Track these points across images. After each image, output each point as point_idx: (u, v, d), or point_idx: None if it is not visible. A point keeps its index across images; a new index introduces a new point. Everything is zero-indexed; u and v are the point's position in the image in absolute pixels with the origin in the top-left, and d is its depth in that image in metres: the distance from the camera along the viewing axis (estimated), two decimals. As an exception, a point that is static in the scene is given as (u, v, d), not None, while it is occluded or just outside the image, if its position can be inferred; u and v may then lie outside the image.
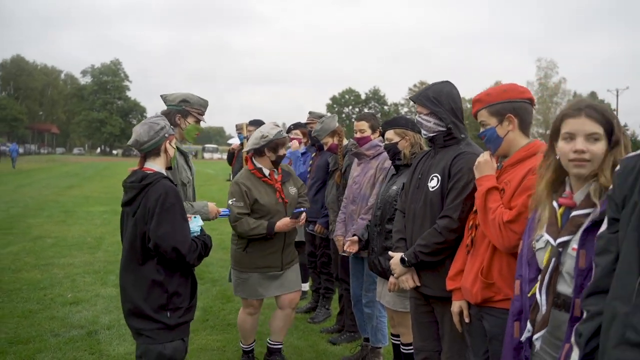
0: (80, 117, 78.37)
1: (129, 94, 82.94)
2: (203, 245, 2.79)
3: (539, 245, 2.00)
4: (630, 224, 1.47)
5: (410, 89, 75.08)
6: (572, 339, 1.67)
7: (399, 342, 3.71)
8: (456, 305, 2.68)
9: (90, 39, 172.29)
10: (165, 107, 3.55)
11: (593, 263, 1.66)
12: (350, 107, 79.12)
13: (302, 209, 3.84)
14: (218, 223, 11.05)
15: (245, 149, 4.31)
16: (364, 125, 4.23)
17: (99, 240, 9.37)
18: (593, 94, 69.76)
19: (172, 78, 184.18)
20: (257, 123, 7.70)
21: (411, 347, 3.42)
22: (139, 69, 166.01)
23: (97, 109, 78.37)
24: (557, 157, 1.97)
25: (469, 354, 2.74)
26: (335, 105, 78.86)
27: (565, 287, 1.86)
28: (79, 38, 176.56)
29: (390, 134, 3.49)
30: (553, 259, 1.90)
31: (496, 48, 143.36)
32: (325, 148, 4.86)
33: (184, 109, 3.48)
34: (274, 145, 3.82)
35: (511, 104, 2.46)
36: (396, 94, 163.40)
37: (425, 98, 2.94)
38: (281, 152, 3.89)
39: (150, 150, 2.79)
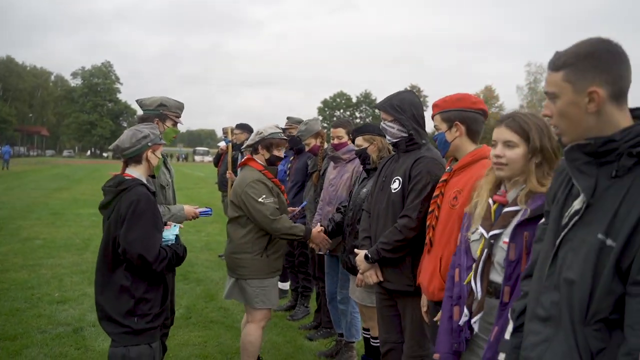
0: (70, 119, 78.10)
1: (120, 96, 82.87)
2: (174, 254, 2.79)
3: (473, 237, 2.22)
4: (552, 217, 1.70)
5: (401, 93, 75.55)
6: (509, 315, 1.89)
7: (369, 336, 3.92)
8: (424, 301, 2.89)
9: (82, 41, 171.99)
10: (142, 112, 3.63)
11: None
12: (342, 111, 79.45)
13: (209, 210, 3.90)
14: (203, 224, 11.22)
15: (244, 147, 4.51)
16: (341, 131, 4.43)
17: (87, 241, 9.51)
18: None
19: (164, 81, 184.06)
20: (243, 127, 7.92)
21: (378, 341, 3.64)
22: (130, 72, 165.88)
23: (87, 111, 78.15)
24: None
25: (429, 344, 2.96)
26: (326, 109, 79.18)
27: (497, 276, 2.08)
28: (71, 40, 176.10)
29: (359, 141, 3.70)
30: (485, 250, 2.13)
31: (486, 53, 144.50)
32: (307, 149, 5.04)
33: (161, 113, 3.56)
34: (267, 143, 3.82)
35: (461, 113, 2.69)
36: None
37: (389, 106, 3.16)
38: (275, 152, 3.86)
39: (131, 157, 2.84)
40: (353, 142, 3.90)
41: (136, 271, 2.70)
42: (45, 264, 7.60)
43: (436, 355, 2.38)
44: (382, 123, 3.26)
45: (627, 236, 1.43)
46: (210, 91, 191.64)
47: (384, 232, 3.07)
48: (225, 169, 7.71)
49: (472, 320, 2.18)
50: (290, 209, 4.18)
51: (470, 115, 2.70)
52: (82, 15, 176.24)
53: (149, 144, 2.86)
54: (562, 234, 1.60)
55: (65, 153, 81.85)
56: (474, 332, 2.20)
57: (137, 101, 3.70)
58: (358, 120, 65.89)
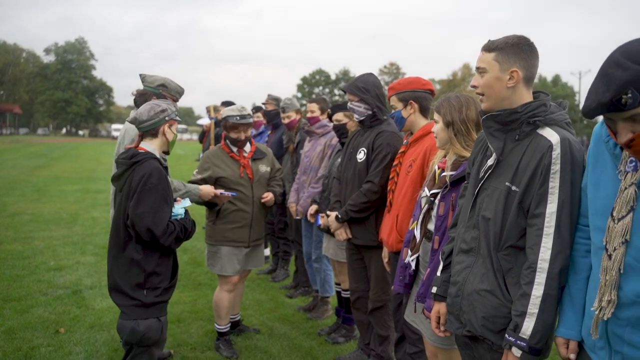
0: (44, 96, 76.51)
1: (95, 73, 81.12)
2: (183, 229, 2.82)
3: (422, 194, 2.76)
4: (472, 174, 2.24)
5: (380, 70, 75.90)
6: (439, 257, 2.43)
7: (340, 290, 4.47)
8: (385, 252, 3.43)
9: (54, 17, 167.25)
10: (142, 87, 3.67)
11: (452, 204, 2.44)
12: (321, 88, 79.55)
13: (233, 193, 3.95)
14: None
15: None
16: (315, 107, 4.91)
17: (75, 216, 9.87)
18: (557, 77, 71.84)
19: (140, 57, 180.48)
20: (227, 104, 8.33)
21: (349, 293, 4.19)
22: (105, 48, 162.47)
23: (61, 88, 76.59)
24: None
25: (390, 289, 3.51)
26: (305, 86, 79.17)
27: (432, 226, 2.62)
28: (43, 16, 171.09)
29: (339, 116, 4.19)
30: (426, 205, 2.67)
31: (465, 31, 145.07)
32: (287, 121, 5.46)
33: (160, 93, 3.58)
34: (224, 125, 4.05)
35: (414, 93, 3.20)
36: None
37: (355, 87, 3.65)
38: (233, 134, 4.01)
39: (148, 131, 2.89)
40: (330, 118, 4.38)
41: (147, 245, 2.75)
42: (36, 236, 7.98)
43: (393, 287, 2.95)
44: (349, 104, 3.75)
45: (526, 183, 1.99)
46: (187, 68, 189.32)
47: (352, 196, 3.59)
48: (208, 146, 8.13)
49: (411, 259, 2.73)
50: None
51: (422, 94, 3.21)
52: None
53: (166, 118, 2.91)
54: (480, 184, 2.15)
55: (39, 131, 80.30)
56: (412, 268, 2.74)
57: (140, 75, 3.74)
58: (337, 98, 66.33)
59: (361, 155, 3.61)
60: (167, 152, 3.05)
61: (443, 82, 68.47)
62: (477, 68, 2.15)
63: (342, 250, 4.13)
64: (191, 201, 3.50)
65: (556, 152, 1.94)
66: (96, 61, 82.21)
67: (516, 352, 1.92)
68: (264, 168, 4.19)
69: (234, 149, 4.08)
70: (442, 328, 2.39)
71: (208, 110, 8.33)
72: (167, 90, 3.64)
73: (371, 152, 3.55)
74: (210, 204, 3.95)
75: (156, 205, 2.72)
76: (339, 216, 3.62)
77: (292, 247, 5.90)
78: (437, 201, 2.60)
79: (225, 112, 4.04)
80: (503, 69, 2.08)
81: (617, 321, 1.65)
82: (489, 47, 2.12)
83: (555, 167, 1.92)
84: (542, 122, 2.03)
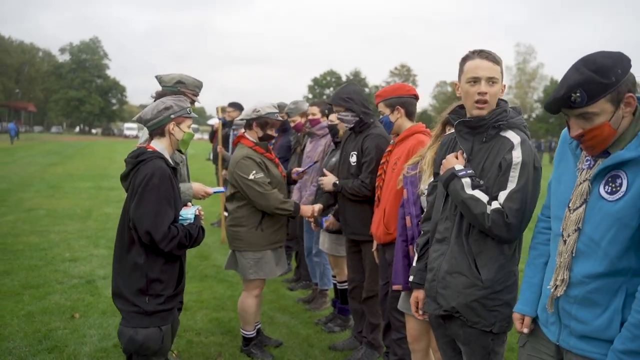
0: (58, 95, 77.60)
1: (108, 72, 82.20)
2: (187, 235, 2.67)
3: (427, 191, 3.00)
4: (440, 180, 2.51)
5: (391, 72, 76.12)
6: (414, 249, 2.71)
7: (336, 282, 4.76)
8: (374, 245, 3.70)
9: (70, 17, 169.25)
10: (160, 88, 3.63)
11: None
12: (332, 89, 79.84)
13: (222, 189, 4.05)
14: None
15: (238, 118, 4.75)
16: (316, 110, 5.20)
17: (88, 211, 10.25)
18: (567, 79, 71.42)
19: (154, 57, 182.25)
20: (235, 105, 8.64)
21: (345, 284, 4.48)
22: (119, 48, 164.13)
23: (75, 87, 77.57)
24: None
25: (380, 279, 3.78)
26: (316, 87, 79.51)
27: None
28: (59, 16, 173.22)
29: (332, 117, 4.47)
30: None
31: (476, 33, 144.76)
32: (292, 125, 5.76)
33: (179, 90, 3.53)
34: (262, 121, 3.93)
35: (400, 99, 3.48)
36: (377, 76, 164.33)
37: (339, 99, 3.94)
38: (269, 131, 3.97)
39: (154, 129, 2.80)
40: (327, 118, 4.68)
41: (150, 249, 2.63)
42: (52, 230, 8.35)
43: (398, 287, 3.10)
44: (337, 115, 4.03)
45: (491, 177, 2.29)
46: (200, 68, 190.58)
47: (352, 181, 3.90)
48: (217, 145, 8.44)
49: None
50: (296, 168, 4.38)
51: (407, 100, 3.49)
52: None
53: (172, 116, 2.78)
54: None
55: (53, 129, 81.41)
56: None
57: (156, 77, 3.71)
58: (347, 99, 66.35)
59: (353, 159, 3.90)
60: (180, 151, 2.97)
61: (454, 84, 68.41)
62: (490, 78, 2.34)
63: (336, 245, 4.41)
64: (185, 201, 3.26)
65: (517, 151, 2.27)
66: (110, 60, 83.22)
67: None
68: (281, 167, 4.23)
69: (267, 150, 4.02)
70: (420, 312, 2.68)
71: (217, 110, 8.64)
72: (185, 87, 3.58)
73: (361, 154, 3.84)
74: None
75: (156, 208, 2.59)
76: (337, 183, 3.93)
77: (294, 242, 6.19)
78: None
79: (265, 109, 3.96)
80: (502, 81, 2.40)
81: (567, 299, 1.92)
82: (496, 60, 2.39)
83: (517, 161, 2.25)
84: (505, 126, 2.34)
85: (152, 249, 2.63)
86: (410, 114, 3.50)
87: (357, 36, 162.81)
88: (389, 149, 3.56)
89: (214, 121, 9.59)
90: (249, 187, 3.80)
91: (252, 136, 3.99)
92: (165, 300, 2.68)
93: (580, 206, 1.88)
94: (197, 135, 70.27)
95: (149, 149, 2.76)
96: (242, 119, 4.13)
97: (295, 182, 4.50)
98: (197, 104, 3.75)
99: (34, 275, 5.85)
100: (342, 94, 3.92)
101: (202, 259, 6.91)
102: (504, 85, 2.41)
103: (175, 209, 2.70)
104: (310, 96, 75.46)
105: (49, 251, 6.98)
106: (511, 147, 2.28)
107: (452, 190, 2.34)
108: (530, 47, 67.48)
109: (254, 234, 3.90)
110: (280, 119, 4.08)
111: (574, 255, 1.88)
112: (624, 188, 1.77)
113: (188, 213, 2.77)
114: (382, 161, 3.59)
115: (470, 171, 2.33)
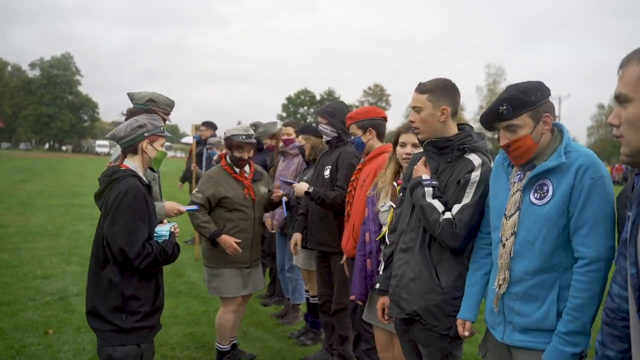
0: (27, 111, 76.09)
1: (80, 88, 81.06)
2: (162, 252, 2.67)
3: (383, 209, 3.21)
4: (407, 190, 2.71)
5: (365, 91, 77.13)
6: (380, 258, 2.91)
7: (309, 296, 4.90)
8: (344, 257, 3.87)
9: (41, 32, 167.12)
10: (131, 105, 3.64)
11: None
12: (306, 108, 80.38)
13: (195, 207, 3.97)
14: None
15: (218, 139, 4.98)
16: (290, 130, 5.38)
17: (60, 228, 10.17)
18: (536, 101, 73.56)
19: (127, 74, 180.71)
20: (208, 124, 8.79)
21: (316, 298, 4.62)
22: (92, 64, 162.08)
23: (46, 103, 76.32)
24: (397, 157, 3.19)
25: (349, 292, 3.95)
26: (290, 105, 79.90)
27: None
28: (29, 31, 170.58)
29: (299, 139, 4.67)
30: (395, 217, 3.13)
31: (446, 54, 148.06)
32: (265, 147, 5.95)
33: (150, 109, 3.53)
34: (228, 143, 4.08)
35: (372, 121, 3.69)
36: (351, 95, 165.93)
37: (324, 112, 4.16)
38: (235, 152, 4.05)
39: (127, 147, 2.81)
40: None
41: (125, 267, 2.63)
42: (23, 247, 8.28)
43: (352, 297, 3.37)
44: (319, 126, 4.24)
45: (452, 193, 2.51)
46: (173, 86, 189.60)
47: (318, 208, 4.06)
48: (191, 164, 8.54)
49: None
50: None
51: (378, 122, 3.71)
52: (42, 6, 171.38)
53: (145, 134, 2.79)
54: None
55: (22, 146, 79.60)
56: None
57: (128, 94, 3.75)
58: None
59: (327, 172, 4.10)
60: (152, 169, 2.99)
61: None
62: (413, 107, 2.66)
63: (310, 260, 4.56)
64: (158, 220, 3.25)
65: (477, 172, 2.51)
66: (82, 77, 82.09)
67: None
68: (263, 189, 4.27)
69: (237, 170, 4.12)
70: (386, 317, 2.89)
71: (191, 129, 8.75)
72: (156, 105, 3.61)
73: (335, 170, 4.03)
74: (214, 242, 3.98)
75: (130, 225, 2.60)
76: (309, 192, 4.05)
77: (268, 259, 6.31)
78: None
79: (231, 130, 4.08)
80: (435, 107, 2.60)
81: (510, 296, 2.19)
82: (421, 90, 2.64)
83: (474, 180, 2.49)
84: (469, 149, 2.56)
85: (127, 267, 2.62)
86: (380, 135, 3.71)
87: (331, 56, 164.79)
88: (358, 167, 3.76)
89: (189, 139, 9.70)
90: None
91: (229, 156, 4.16)
92: (142, 317, 2.67)
93: (514, 213, 2.17)
94: (170, 153, 70.20)
95: (122, 167, 2.78)
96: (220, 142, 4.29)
97: (276, 205, 4.45)
98: (168, 122, 3.73)
99: (5, 293, 5.82)
100: (328, 108, 4.18)
101: (176, 276, 6.97)
102: (444, 109, 2.59)
103: (149, 226, 2.71)
104: (284, 115, 75.82)
105: (20, 268, 6.94)
106: (472, 168, 2.52)
107: (415, 196, 2.56)
108: (500, 69, 68.93)
109: (210, 250, 4.05)
110: (246, 141, 4.07)
111: (512, 256, 2.16)
112: (550, 193, 2.08)
113: (163, 230, 2.77)
114: (352, 178, 3.78)
115: (435, 182, 2.57)
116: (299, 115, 76.66)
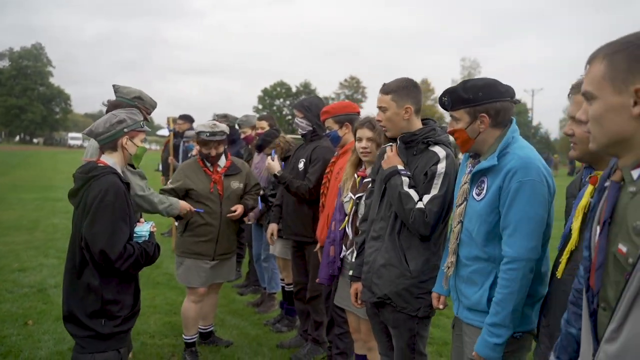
0: (-4, 103, 74.43)
1: (52, 80, 79.39)
2: (143, 253, 2.58)
3: (345, 200, 3.40)
4: (377, 180, 2.89)
5: (341, 84, 77.25)
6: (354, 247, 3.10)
7: (284, 284, 5.08)
8: (317, 246, 4.05)
9: (11, 22, 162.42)
10: (114, 98, 3.62)
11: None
12: (282, 100, 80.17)
13: (201, 209, 4.03)
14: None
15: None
16: (264, 124, 5.54)
17: (35, 222, 10.13)
18: (510, 94, 74.86)
19: (101, 66, 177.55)
20: (185, 117, 8.85)
21: (292, 286, 4.80)
22: (64, 56, 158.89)
23: (16, 94, 74.47)
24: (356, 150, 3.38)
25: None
26: (266, 97, 79.60)
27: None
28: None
29: (267, 151, 4.86)
30: (354, 207, 3.31)
31: (424, 47, 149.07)
32: (244, 136, 6.06)
33: (136, 106, 3.45)
34: (197, 140, 4.15)
35: (348, 116, 3.86)
36: (327, 88, 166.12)
37: (301, 106, 4.33)
38: (203, 150, 4.08)
39: (106, 143, 2.69)
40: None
41: (104, 269, 2.51)
42: (-2, 241, 8.26)
43: (317, 280, 3.60)
44: (295, 119, 4.40)
45: (420, 184, 2.71)
46: (148, 78, 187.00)
47: (292, 199, 4.23)
48: (167, 156, 8.61)
49: (347, 254, 3.36)
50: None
51: (354, 117, 3.88)
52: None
53: (125, 129, 2.68)
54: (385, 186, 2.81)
55: (-9, 138, 77.95)
56: (349, 261, 3.35)
57: (113, 86, 3.69)
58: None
59: (301, 165, 4.26)
60: (132, 166, 2.94)
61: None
62: (379, 107, 2.86)
63: (286, 249, 4.73)
64: (168, 214, 3.69)
65: (442, 163, 2.71)
66: (53, 68, 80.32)
67: None
68: (235, 184, 4.24)
69: (208, 164, 4.15)
70: (359, 302, 3.07)
71: (168, 121, 8.80)
72: (142, 103, 3.58)
73: (309, 162, 4.20)
74: (178, 216, 3.96)
75: (112, 226, 2.49)
76: (278, 175, 4.23)
77: (244, 249, 6.46)
78: (362, 202, 3.25)
79: (198, 127, 4.14)
80: (399, 106, 2.79)
81: (458, 278, 2.42)
82: (385, 90, 2.84)
83: (440, 172, 2.69)
84: (433, 142, 2.76)
85: (107, 269, 2.51)
86: (354, 129, 3.89)
87: (308, 48, 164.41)
88: (333, 160, 3.93)
89: (165, 132, 9.73)
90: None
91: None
92: (122, 322, 2.58)
93: (462, 203, 2.38)
94: (146, 145, 69.21)
95: (100, 164, 2.65)
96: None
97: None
98: (148, 120, 3.86)
99: (-18, 286, 5.86)
100: (304, 102, 4.34)
101: (154, 267, 7.04)
102: (408, 107, 2.78)
103: (128, 226, 2.60)
104: (260, 107, 75.48)
105: (-4, 262, 6.96)
106: (437, 160, 2.71)
107: (392, 184, 2.75)
108: (475, 62, 70.23)
109: (180, 239, 4.18)
110: (210, 138, 4.03)
111: (458, 242, 2.37)
112: (484, 191, 2.26)
113: (143, 230, 2.67)
114: (327, 171, 3.95)
115: (410, 173, 2.76)
116: (274, 108, 76.41)
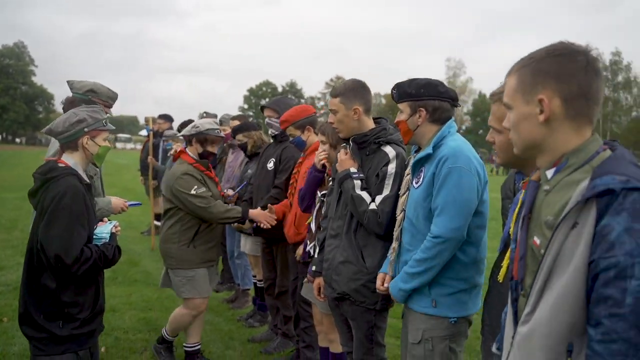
0: (-22, 102, 73.39)
1: (35, 79, 78.41)
2: (102, 256, 2.51)
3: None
4: (335, 180, 3.03)
5: (327, 83, 77.31)
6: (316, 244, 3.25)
7: (256, 281, 5.20)
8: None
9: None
10: (70, 94, 3.50)
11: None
12: (267, 99, 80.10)
13: (138, 203, 3.85)
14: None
15: (179, 135, 4.86)
16: (237, 123, 5.64)
17: (14, 221, 10.15)
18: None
19: (86, 65, 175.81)
20: (165, 117, 8.92)
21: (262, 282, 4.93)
22: (48, 55, 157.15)
23: (-3, 93, 73.69)
24: None
25: (291, 275, 4.26)
26: (252, 97, 79.55)
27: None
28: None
29: (239, 137, 4.95)
30: (319, 204, 3.45)
31: (410, 47, 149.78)
32: (222, 134, 6.15)
33: (90, 100, 3.36)
34: (202, 138, 3.95)
35: (308, 119, 3.99)
36: (313, 87, 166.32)
37: (274, 104, 4.47)
38: (209, 147, 3.98)
39: (66, 143, 2.61)
40: (234, 138, 5.13)
41: (61, 272, 2.43)
42: (-24, 240, 8.27)
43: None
44: (267, 119, 4.52)
45: (373, 183, 2.84)
46: (133, 78, 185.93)
47: (263, 200, 4.35)
48: (146, 155, 8.67)
49: (309, 247, 3.50)
50: (228, 192, 4.43)
51: (313, 118, 4.02)
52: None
53: (85, 129, 2.59)
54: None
55: (-28, 138, 76.86)
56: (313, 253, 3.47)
57: (67, 82, 3.55)
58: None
59: (270, 165, 4.38)
60: (95, 164, 2.84)
61: (388, 96, 70.76)
62: (330, 110, 3.01)
63: (257, 246, 4.86)
64: (105, 216, 3.18)
65: (393, 164, 2.84)
66: (36, 67, 79.39)
67: None
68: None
69: (205, 166, 4.02)
70: (321, 295, 3.21)
71: (147, 121, 8.85)
72: (97, 96, 3.46)
73: (278, 163, 4.32)
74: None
75: (68, 229, 2.41)
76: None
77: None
78: (327, 200, 3.39)
79: (204, 125, 3.97)
80: (347, 108, 2.93)
81: (402, 264, 2.58)
82: (334, 94, 3.00)
83: (391, 172, 2.82)
84: (384, 142, 2.90)
85: (63, 273, 2.43)
86: (315, 130, 4.02)
87: (293, 48, 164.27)
88: (300, 160, 4.06)
89: (145, 132, 9.77)
90: (191, 203, 3.77)
91: (192, 152, 4.00)
92: (81, 324, 2.51)
93: (404, 193, 2.57)
94: (129, 145, 68.81)
95: (60, 164, 2.58)
96: (182, 135, 4.17)
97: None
98: (109, 114, 3.53)
99: (-42, 284, 5.90)
100: (278, 101, 4.49)
101: (131, 265, 7.15)
102: (356, 108, 2.92)
103: (88, 228, 2.54)
104: (246, 106, 75.43)
105: (-26, 261, 6.99)
106: (387, 161, 2.85)
107: (345, 187, 2.88)
108: (460, 62, 71.23)
109: (186, 251, 3.85)
110: (221, 135, 4.11)
111: (401, 229, 2.56)
112: (422, 179, 2.47)
113: (103, 231, 2.61)
114: (294, 171, 4.08)
115: (362, 175, 2.90)
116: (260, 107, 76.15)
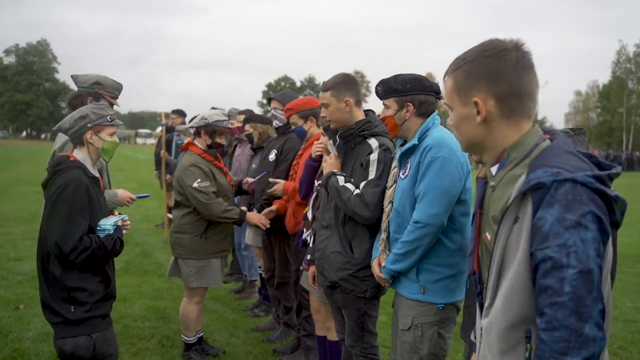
0: (3, 98, 75.06)
1: (57, 76, 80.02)
2: (101, 246, 2.60)
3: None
4: (322, 178, 3.14)
5: (344, 78, 77.08)
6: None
7: (261, 272, 5.34)
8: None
9: (17, 18, 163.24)
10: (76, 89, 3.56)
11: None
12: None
13: (147, 195, 3.93)
14: (142, 200, 12.30)
15: (188, 126, 5.03)
16: (243, 117, 5.78)
17: (35, 214, 10.43)
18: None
19: (106, 61, 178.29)
20: (178, 112, 9.11)
21: (268, 272, 5.06)
22: (70, 52, 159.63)
23: (22, 90, 75.23)
24: None
25: (291, 268, 4.38)
26: (270, 92, 79.79)
27: None
28: (5, 17, 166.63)
29: (247, 127, 5.07)
30: (315, 193, 3.57)
31: (427, 41, 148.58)
32: (233, 127, 6.30)
33: (96, 92, 3.42)
34: (211, 129, 4.00)
35: (312, 110, 4.09)
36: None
37: (280, 96, 4.59)
38: (218, 139, 4.04)
39: (74, 139, 2.76)
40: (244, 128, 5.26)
41: (64, 260, 2.56)
42: (-3, 232, 8.57)
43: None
44: (273, 111, 4.63)
45: (358, 175, 2.93)
46: (154, 73, 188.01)
47: (266, 191, 4.48)
48: (160, 151, 8.87)
49: (306, 235, 3.62)
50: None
51: (317, 110, 4.11)
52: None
53: (88, 125, 2.71)
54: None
55: (-2, 134, 78.63)
56: (309, 241, 3.58)
57: (72, 76, 3.59)
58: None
59: (272, 156, 4.50)
60: (105, 160, 2.94)
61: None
62: (322, 104, 3.11)
63: (258, 237, 4.99)
64: (111, 209, 3.20)
65: (374, 153, 2.93)
66: (59, 64, 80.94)
67: None
68: None
69: (214, 157, 4.07)
70: (316, 284, 3.32)
71: (160, 116, 9.05)
72: (102, 88, 3.50)
73: (280, 154, 4.44)
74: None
75: (67, 219, 2.53)
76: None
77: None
78: (323, 189, 3.51)
79: (213, 117, 4.02)
80: (339, 101, 3.03)
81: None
82: (324, 88, 3.10)
83: (373, 159, 2.91)
84: (369, 134, 3.00)
85: (66, 260, 2.55)
86: (318, 123, 4.13)
87: (312, 43, 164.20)
88: (300, 152, 4.17)
89: (159, 128, 9.99)
90: (192, 196, 3.84)
91: (200, 144, 4.05)
92: (92, 307, 2.62)
93: (392, 186, 2.66)
94: (150, 140, 69.62)
95: (70, 158, 2.71)
96: (191, 127, 4.22)
97: (245, 192, 4.61)
98: (115, 107, 3.61)
99: (-22, 273, 6.16)
100: (284, 94, 4.61)
101: (144, 257, 7.36)
102: (347, 100, 3.01)
103: (93, 218, 2.64)
104: (264, 101, 75.53)
105: (-6, 252, 7.26)
106: (370, 151, 2.94)
107: (331, 183, 2.98)
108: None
109: (198, 241, 3.91)
110: (229, 126, 4.18)
111: (389, 220, 2.64)
112: (408, 169, 2.57)
113: (107, 224, 2.69)
114: (294, 163, 4.19)
115: (344, 174, 3.00)
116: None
